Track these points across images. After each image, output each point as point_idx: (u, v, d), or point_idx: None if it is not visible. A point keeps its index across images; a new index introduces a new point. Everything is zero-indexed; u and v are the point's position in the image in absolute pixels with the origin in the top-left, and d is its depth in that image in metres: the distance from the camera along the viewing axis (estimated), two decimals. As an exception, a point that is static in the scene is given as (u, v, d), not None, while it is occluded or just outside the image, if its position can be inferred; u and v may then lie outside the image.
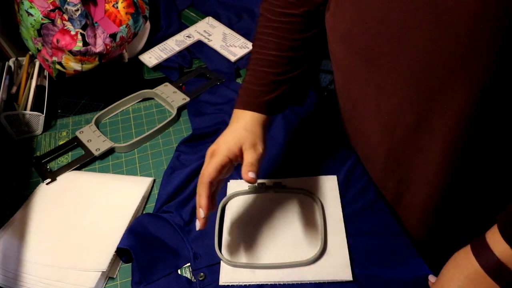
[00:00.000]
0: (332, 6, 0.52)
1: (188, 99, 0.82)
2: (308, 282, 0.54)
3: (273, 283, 0.55)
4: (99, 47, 0.78)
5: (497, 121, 0.41)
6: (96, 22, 0.79)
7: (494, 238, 0.43)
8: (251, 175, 0.51)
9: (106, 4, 0.80)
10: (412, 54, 0.41)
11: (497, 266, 0.42)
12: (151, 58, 0.91)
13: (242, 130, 0.55)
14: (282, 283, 0.55)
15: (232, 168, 0.55)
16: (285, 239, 0.59)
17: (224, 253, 0.58)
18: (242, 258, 0.57)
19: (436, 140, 0.46)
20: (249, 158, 0.53)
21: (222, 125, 0.76)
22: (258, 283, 0.55)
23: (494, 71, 0.37)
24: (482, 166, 0.47)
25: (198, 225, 0.51)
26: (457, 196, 0.51)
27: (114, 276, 0.58)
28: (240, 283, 0.55)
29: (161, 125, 0.77)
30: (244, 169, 0.52)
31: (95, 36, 0.78)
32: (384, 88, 0.48)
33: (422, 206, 0.55)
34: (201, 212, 0.50)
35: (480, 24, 0.35)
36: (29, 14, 0.75)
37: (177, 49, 0.93)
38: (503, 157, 0.46)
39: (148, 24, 0.95)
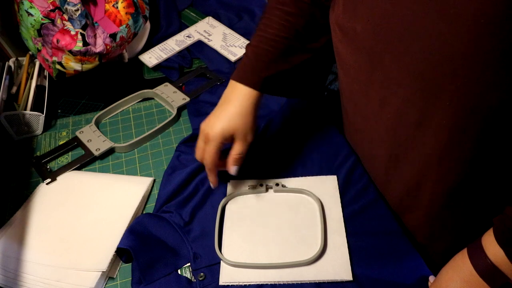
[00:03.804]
0: (337, 4, 0.52)
1: (188, 99, 0.82)
2: (308, 282, 0.54)
3: (273, 283, 0.55)
4: (99, 47, 0.78)
5: (500, 121, 0.41)
6: (96, 22, 0.79)
7: (489, 241, 0.43)
8: (233, 170, 0.59)
9: (106, 4, 0.80)
10: (416, 51, 0.41)
11: (490, 269, 0.42)
12: (151, 58, 0.91)
13: (236, 115, 0.57)
14: (282, 283, 0.55)
15: None
16: (285, 239, 0.59)
17: (224, 253, 0.58)
18: (242, 258, 0.57)
19: (438, 138, 0.46)
20: (238, 149, 0.58)
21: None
22: (258, 283, 0.55)
23: (494, 69, 0.37)
24: (485, 166, 0.47)
25: (212, 184, 0.62)
26: (460, 196, 0.51)
27: (114, 276, 0.58)
28: (240, 283, 0.55)
29: (161, 125, 0.77)
30: (231, 161, 0.58)
31: (95, 36, 0.78)
32: (388, 86, 0.48)
33: (426, 207, 0.55)
34: (214, 186, 0.62)
35: (481, 19, 0.35)
36: (29, 14, 0.75)
37: (177, 49, 0.93)
38: (505, 158, 0.46)
39: (148, 24, 0.95)
